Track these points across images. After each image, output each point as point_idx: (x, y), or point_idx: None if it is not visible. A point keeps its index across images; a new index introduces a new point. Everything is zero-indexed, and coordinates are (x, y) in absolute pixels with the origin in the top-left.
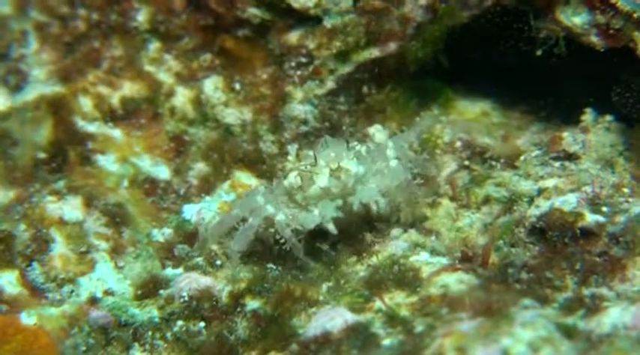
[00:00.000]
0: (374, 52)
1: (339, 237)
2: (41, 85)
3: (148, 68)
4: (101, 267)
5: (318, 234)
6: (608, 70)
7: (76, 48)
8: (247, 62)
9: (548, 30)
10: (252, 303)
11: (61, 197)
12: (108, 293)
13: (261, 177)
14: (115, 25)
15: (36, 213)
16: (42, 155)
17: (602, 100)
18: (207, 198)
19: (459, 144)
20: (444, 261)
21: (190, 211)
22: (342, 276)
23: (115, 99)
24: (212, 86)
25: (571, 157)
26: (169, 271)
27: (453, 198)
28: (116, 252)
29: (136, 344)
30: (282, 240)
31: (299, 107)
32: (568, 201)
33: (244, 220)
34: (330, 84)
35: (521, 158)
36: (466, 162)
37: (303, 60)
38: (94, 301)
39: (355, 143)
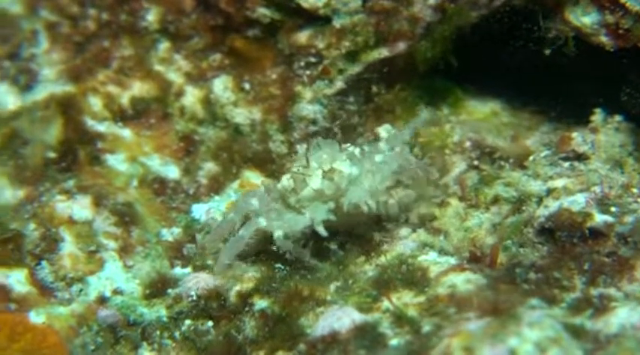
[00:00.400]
0: (383, 52)
1: (347, 237)
2: (51, 84)
3: (158, 68)
4: (110, 266)
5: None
6: (618, 70)
7: (86, 47)
8: (257, 62)
9: (558, 30)
10: (260, 303)
11: (70, 196)
12: (117, 292)
13: (270, 176)
14: (124, 25)
15: (45, 212)
16: (52, 154)
17: (612, 100)
18: (217, 197)
19: (468, 144)
20: (453, 260)
21: (199, 211)
22: (350, 276)
23: (124, 99)
24: (221, 86)
25: (580, 157)
26: (178, 270)
27: (462, 198)
28: (125, 251)
29: (145, 343)
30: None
31: (308, 107)
32: (577, 201)
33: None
34: (339, 84)
35: (531, 158)
36: (475, 162)
37: (313, 60)
38: (102, 300)
39: (348, 145)
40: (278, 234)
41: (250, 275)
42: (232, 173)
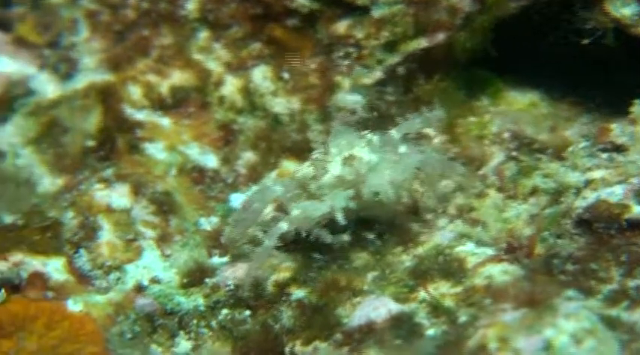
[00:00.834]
0: (422, 43)
1: (385, 227)
2: (91, 73)
3: (197, 57)
4: (148, 255)
5: (364, 223)
6: None
7: (126, 36)
8: (296, 51)
9: (597, 21)
10: (298, 292)
11: (109, 185)
12: (154, 281)
13: None
14: (164, 14)
15: (84, 201)
16: (91, 143)
17: None
18: (255, 187)
19: (507, 134)
20: (490, 251)
21: (238, 200)
22: (387, 266)
23: (164, 88)
24: (261, 75)
25: (619, 149)
26: (216, 260)
27: (500, 189)
28: (163, 240)
29: (182, 332)
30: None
31: (347, 97)
32: (615, 193)
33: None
34: (378, 74)
35: (569, 149)
36: (514, 153)
37: (352, 50)
38: (140, 289)
39: (367, 132)
40: (295, 212)
41: (287, 265)
42: (271, 162)
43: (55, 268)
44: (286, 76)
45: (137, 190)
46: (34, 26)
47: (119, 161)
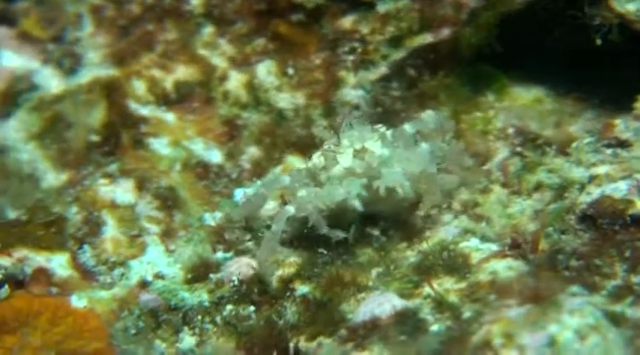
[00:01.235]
0: (427, 38)
1: (389, 223)
2: (95, 67)
3: (202, 52)
4: (152, 251)
5: (369, 219)
6: None
7: (131, 31)
8: (301, 47)
9: (602, 17)
10: (302, 288)
11: (113, 180)
12: (158, 276)
13: None
14: (169, 9)
15: (88, 196)
16: (95, 138)
17: None
18: (259, 182)
19: (511, 130)
20: (494, 247)
21: (242, 195)
22: (392, 262)
23: (168, 83)
24: (265, 71)
25: (623, 144)
26: (220, 255)
27: (504, 185)
28: (167, 235)
29: (186, 328)
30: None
31: (352, 92)
32: (619, 189)
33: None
34: (383, 69)
35: (574, 145)
36: (518, 149)
37: (357, 45)
38: (144, 284)
39: (380, 125)
40: (301, 193)
41: (292, 260)
42: (275, 158)
43: (59, 264)
44: (291, 71)
45: (141, 185)
46: (38, 21)
47: (123, 156)
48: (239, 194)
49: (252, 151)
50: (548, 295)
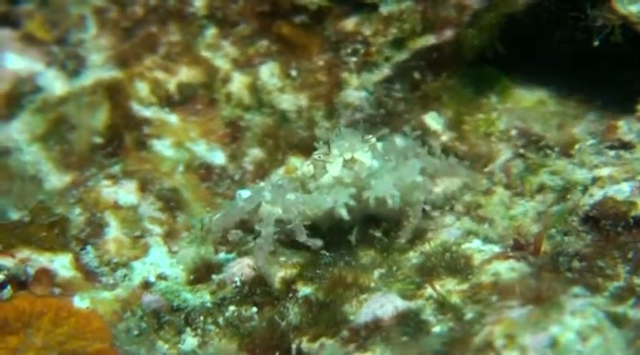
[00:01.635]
0: (430, 39)
1: (392, 224)
2: (99, 69)
3: (205, 54)
4: (155, 252)
5: (372, 221)
6: None
7: (134, 33)
8: (304, 48)
9: (605, 18)
10: (304, 289)
11: (116, 181)
12: (161, 277)
13: None
14: (172, 11)
15: (91, 197)
16: (98, 139)
17: None
18: (262, 183)
19: (514, 132)
20: (497, 248)
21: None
22: (394, 263)
23: (171, 85)
24: (268, 72)
25: (626, 146)
26: (222, 256)
27: (507, 186)
28: (170, 236)
29: (188, 329)
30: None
31: (354, 94)
32: (622, 190)
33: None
34: (385, 71)
35: (577, 147)
36: (521, 150)
37: (359, 46)
38: (147, 285)
39: (370, 137)
40: (289, 197)
41: (294, 262)
42: (278, 159)
43: (61, 265)
44: (294, 73)
45: (144, 187)
46: (42, 23)
47: (126, 158)
48: (242, 195)
49: (255, 153)
50: (550, 296)
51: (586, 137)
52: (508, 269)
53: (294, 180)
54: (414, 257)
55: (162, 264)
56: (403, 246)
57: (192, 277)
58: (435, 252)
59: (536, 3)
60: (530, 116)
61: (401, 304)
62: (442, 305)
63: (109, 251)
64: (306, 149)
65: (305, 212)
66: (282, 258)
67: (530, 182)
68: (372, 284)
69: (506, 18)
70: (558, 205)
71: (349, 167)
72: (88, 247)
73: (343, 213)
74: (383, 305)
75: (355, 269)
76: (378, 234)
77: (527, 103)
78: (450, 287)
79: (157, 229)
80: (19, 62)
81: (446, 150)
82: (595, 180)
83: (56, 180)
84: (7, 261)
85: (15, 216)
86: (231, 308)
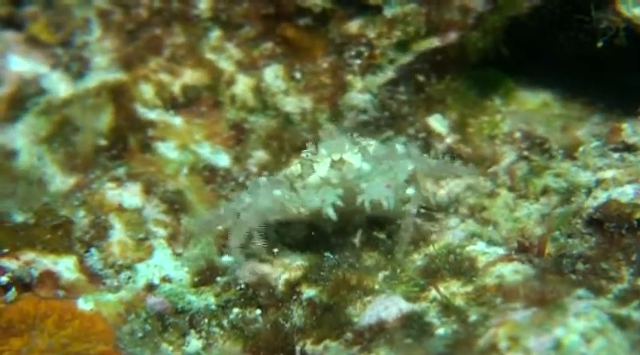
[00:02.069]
0: (434, 42)
1: (396, 226)
2: (103, 72)
3: (209, 56)
4: (159, 254)
5: (376, 223)
6: None
7: (138, 35)
8: (308, 51)
9: (609, 21)
10: (309, 291)
11: (120, 184)
12: (165, 279)
13: None
14: (176, 13)
15: (95, 200)
16: (102, 142)
17: None
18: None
19: (518, 134)
20: (501, 251)
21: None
22: (398, 265)
23: (176, 87)
24: (273, 75)
25: (630, 149)
26: (227, 258)
27: (511, 189)
28: (174, 239)
29: (192, 331)
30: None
31: (359, 96)
32: (626, 193)
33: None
34: (390, 73)
35: (581, 149)
36: (525, 153)
37: (364, 49)
38: (151, 287)
39: (362, 139)
40: (277, 192)
41: (298, 264)
42: (282, 162)
43: (66, 267)
44: (298, 75)
45: (149, 189)
46: (46, 25)
47: (131, 160)
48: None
49: (260, 155)
50: (554, 298)
51: (590, 139)
52: (512, 271)
53: (283, 179)
54: (418, 259)
55: (166, 267)
56: (407, 249)
57: (196, 279)
58: (439, 254)
59: (541, 5)
60: (534, 118)
61: (405, 306)
62: (446, 308)
63: (114, 253)
64: None
65: (289, 209)
66: (286, 261)
67: (534, 184)
68: (376, 287)
69: (510, 20)
70: (562, 207)
71: (337, 168)
72: (93, 249)
73: (330, 212)
74: (387, 307)
75: (359, 271)
76: (382, 236)
77: (531, 106)
78: (454, 289)
79: (162, 231)
80: (24, 64)
81: (450, 153)
82: (599, 183)
83: (60, 182)
84: (12, 263)
85: (19, 218)
86: (236, 310)
